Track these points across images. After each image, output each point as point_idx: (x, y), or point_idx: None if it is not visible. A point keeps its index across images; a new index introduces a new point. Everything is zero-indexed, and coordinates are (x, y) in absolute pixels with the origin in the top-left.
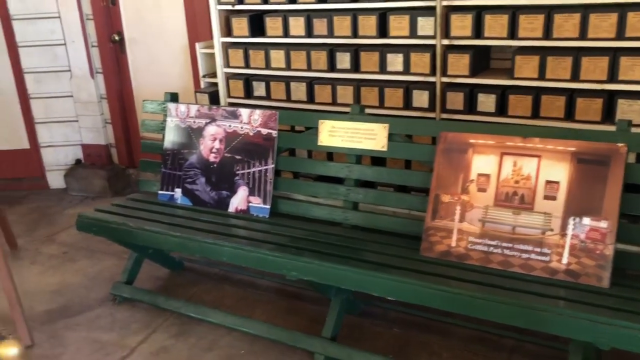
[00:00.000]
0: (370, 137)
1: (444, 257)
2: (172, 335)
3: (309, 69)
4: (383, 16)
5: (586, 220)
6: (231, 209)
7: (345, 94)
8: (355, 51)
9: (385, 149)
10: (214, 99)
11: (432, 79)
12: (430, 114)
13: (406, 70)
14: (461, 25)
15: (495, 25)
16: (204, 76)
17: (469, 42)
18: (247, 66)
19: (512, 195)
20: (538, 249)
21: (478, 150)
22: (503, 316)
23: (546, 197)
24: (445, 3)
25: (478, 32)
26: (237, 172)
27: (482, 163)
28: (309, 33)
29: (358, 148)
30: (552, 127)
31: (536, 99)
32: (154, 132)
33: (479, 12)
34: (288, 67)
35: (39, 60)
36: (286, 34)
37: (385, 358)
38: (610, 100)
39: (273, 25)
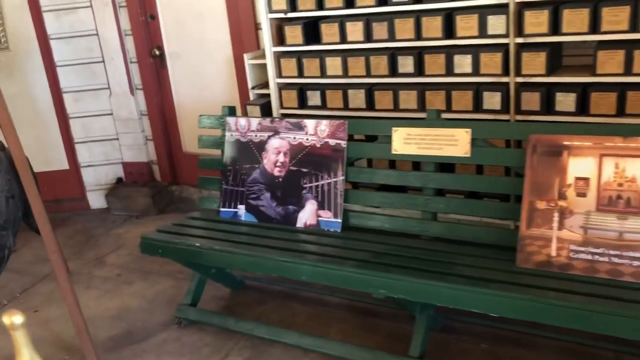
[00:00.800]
0: (451, 143)
1: (544, 267)
2: (247, 359)
3: (368, 75)
4: (449, 16)
5: None
6: (300, 224)
7: (408, 98)
8: (419, 54)
9: (468, 155)
10: (266, 111)
11: (504, 79)
12: (503, 116)
13: (475, 72)
14: (536, 21)
15: (575, 20)
16: (253, 88)
17: (545, 39)
18: (301, 75)
19: (616, 199)
20: None
21: (574, 152)
22: (625, 331)
23: None
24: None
25: (555, 28)
26: (305, 186)
27: (579, 166)
28: (368, 38)
29: (438, 155)
30: None
31: (621, 95)
32: (212, 147)
33: (555, 7)
34: (345, 74)
35: (77, 79)
36: (343, 39)
37: None
38: None
39: (329, 31)
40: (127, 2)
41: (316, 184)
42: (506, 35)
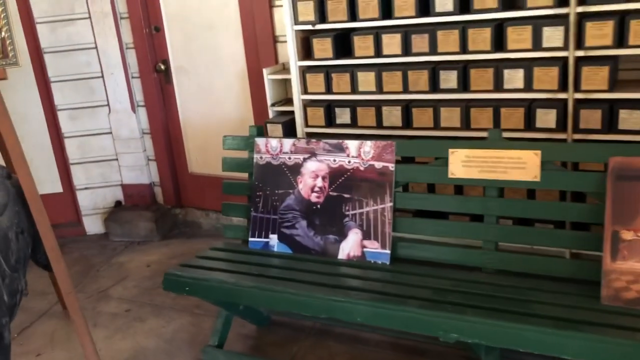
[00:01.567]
0: (518, 166)
1: (635, 305)
2: None
3: (406, 91)
4: (499, 28)
5: None
6: (342, 255)
7: (451, 116)
8: (464, 68)
9: (537, 179)
10: (288, 129)
11: (561, 95)
12: (559, 135)
13: (528, 87)
14: (599, 33)
15: None
16: (273, 105)
17: (609, 52)
18: (329, 91)
19: None
20: None
21: None
22: None
23: None
24: (580, 10)
25: (620, 40)
26: (347, 213)
27: None
28: (407, 51)
29: (502, 180)
30: None
31: None
32: (238, 170)
33: (621, 18)
34: (379, 90)
35: (74, 96)
36: (378, 53)
37: None
38: None
39: (362, 44)
40: (129, 13)
41: (360, 211)
42: (564, 48)
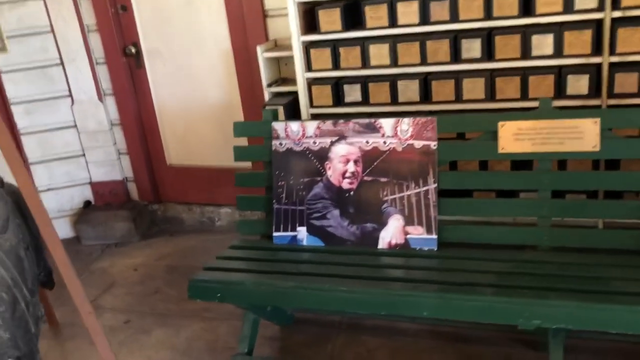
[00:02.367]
0: (575, 136)
1: None
2: None
3: (424, 63)
4: None
5: None
6: (383, 244)
7: (474, 87)
8: (488, 36)
9: (597, 149)
10: (291, 111)
11: (595, 59)
12: (592, 101)
13: (558, 53)
14: None
15: None
16: (269, 85)
17: None
18: (337, 67)
19: None
20: None
21: None
22: None
23: None
24: None
25: None
26: (385, 199)
27: None
28: (425, 20)
29: (558, 152)
30: None
31: None
32: (252, 159)
33: None
34: (394, 64)
35: (30, 87)
36: (393, 23)
37: None
38: None
39: (374, 14)
40: None
41: (400, 195)
42: (598, 10)
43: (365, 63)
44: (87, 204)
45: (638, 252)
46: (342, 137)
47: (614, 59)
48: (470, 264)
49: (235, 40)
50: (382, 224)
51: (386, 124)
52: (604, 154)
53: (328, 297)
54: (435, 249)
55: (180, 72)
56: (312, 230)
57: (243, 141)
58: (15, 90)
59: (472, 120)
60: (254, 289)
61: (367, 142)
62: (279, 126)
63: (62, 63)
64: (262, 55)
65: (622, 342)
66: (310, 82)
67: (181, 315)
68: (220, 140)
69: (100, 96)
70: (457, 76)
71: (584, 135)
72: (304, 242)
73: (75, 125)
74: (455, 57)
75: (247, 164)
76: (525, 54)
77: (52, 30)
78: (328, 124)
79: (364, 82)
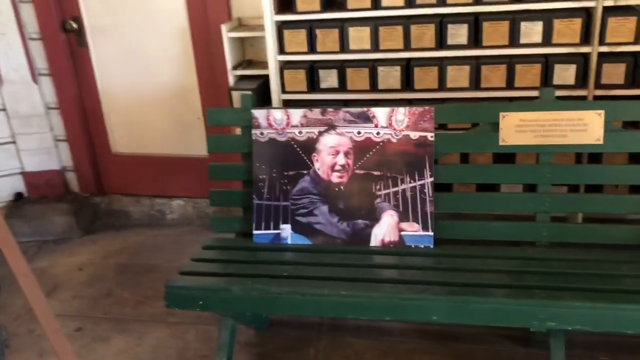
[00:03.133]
0: (579, 128)
1: None
2: None
3: (407, 49)
4: None
5: None
6: (375, 242)
7: (459, 75)
8: (475, 21)
9: (601, 142)
10: (262, 97)
11: (584, 49)
12: (578, 91)
13: (546, 41)
14: None
15: None
16: (235, 67)
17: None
18: (312, 50)
19: None
20: None
21: None
22: None
23: None
24: None
25: None
26: (378, 194)
27: None
28: (410, 2)
29: (561, 144)
30: None
31: None
32: (229, 150)
33: None
34: (375, 48)
35: None
36: (376, 5)
37: None
38: None
39: None
40: None
41: (394, 189)
42: None
43: (343, 47)
44: (19, 196)
45: (636, 246)
46: (331, 126)
47: (603, 48)
48: (472, 263)
49: (193, 17)
50: (375, 220)
51: (380, 113)
52: (608, 147)
53: (327, 303)
54: (432, 246)
55: (129, 52)
56: (297, 228)
57: (196, 129)
58: None
59: (472, 110)
60: (243, 296)
61: (359, 132)
62: (260, 114)
63: None
64: (227, 35)
65: (611, 335)
66: (283, 66)
67: (141, 320)
68: (173, 127)
69: (34, 76)
70: (441, 63)
71: (587, 127)
72: (289, 241)
73: (5, 109)
74: (441, 42)
75: (205, 154)
76: (513, 41)
77: None
78: (316, 112)
79: (342, 67)
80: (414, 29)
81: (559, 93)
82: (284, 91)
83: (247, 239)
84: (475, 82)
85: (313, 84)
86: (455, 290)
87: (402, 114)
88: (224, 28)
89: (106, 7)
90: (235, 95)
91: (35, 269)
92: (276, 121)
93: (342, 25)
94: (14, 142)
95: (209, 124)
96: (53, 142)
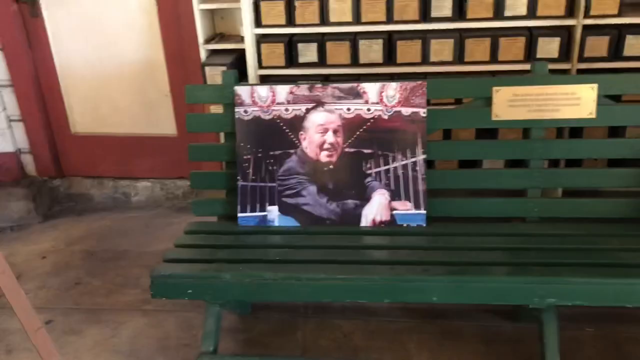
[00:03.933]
0: (572, 102)
1: None
2: None
3: (389, 22)
4: None
5: None
6: (366, 222)
7: (442, 49)
8: None
9: (593, 116)
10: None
11: (569, 21)
12: (562, 65)
13: (531, 14)
14: None
15: None
16: (208, 41)
17: None
18: (291, 23)
19: None
20: None
21: None
22: None
23: None
24: None
25: None
26: (369, 172)
27: None
28: None
29: (554, 119)
30: None
31: None
32: (211, 130)
33: None
34: (356, 21)
35: None
36: None
37: None
38: None
39: None
40: None
41: (385, 167)
42: None
43: (323, 19)
44: None
45: (632, 220)
46: (319, 103)
47: (588, 21)
48: (467, 241)
49: None
50: (366, 199)
51: (370, 88)
52: (600, 121)
53: (324, 287)
54: (424, 224)
55: (88, 23)
56: (284, 209)
57: (164, 106)
58: None
59: (465, 85)
60: (235, 283)
61: (349, 109)
62: (243, 91)
63: None
64: (199, 6)
65: (597, 307)
66: (260, 40)
67: (115, 309)
68: (138, 105)
69: None
70: (425, 36)
71: (580, 101)
72: (276, 223)
73: None
74: (424, 15)
75: (173, 132)
76: (498, 13)
77: None
78: (303, 89)
79: (322, 40)
80: (397, 2)
81: None
82: (260, 66)
83: (232, 222)
84: (459, 56)
85: (291, 59)
86: (454, 270)
87: (393, 90)
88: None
89: None
90: (209, 71)
91: None
92: (261, 98)
93: None
94: None
95: (187, 101)
96: (6, 123)
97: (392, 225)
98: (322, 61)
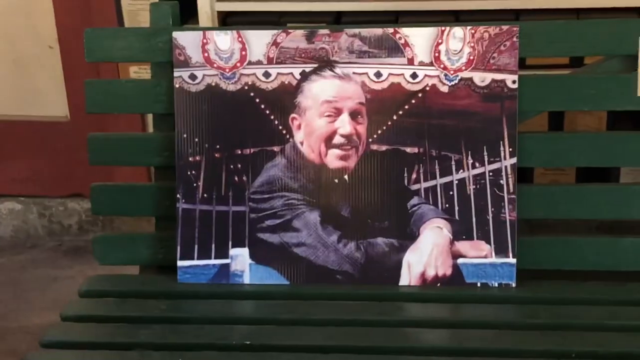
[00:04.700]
0: None
1: None
2: None
3: None
4: None
5: None
6: (409, 279)
7: None
8: None
9: None
10: (185, 10)
11: None
12: None
13: None
14: None
15: None
16: None
17: None
18: None
19: None
20: None
21: None
22: None
23: None
24: None
25: None
26: (414, 188)
27: None
28: None
29: None
30: None
31: None
32: (128, 110)
33: None
34: None
35: None
36: None
37: None
38: None
39: None
40: None
41: (444, 180)
42: None
43: None
44: None
45: None
46: (325, 64)
47: None
48: (590, 314)
49: None
50: (409, 238)
51: (418, 37)
52: None
53: None
54: (514, 284)
55: None
56: (261, 255)
57: (45, 68)
58: None
59: (589, 30)
60: None
61: (379, 74)
62: (188, 38)
63: None
64: None
65: None
66: None
67: None
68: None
69: None
70: None
71: None
72: (245, 279)
73: None
74: None
75: (61, 114)
76: None
77: None
78: (297, 36)
79: None
80: None
81: None
82: None
83: (165, 276)
84: None
85: None
86: None
87: (459, 38)
88: None
89: None
90: (128, 4)
91: None
92: (220, 53)
93: None
94: None
95: (87, 59)
96: None
97: (456, 283)
98: None
